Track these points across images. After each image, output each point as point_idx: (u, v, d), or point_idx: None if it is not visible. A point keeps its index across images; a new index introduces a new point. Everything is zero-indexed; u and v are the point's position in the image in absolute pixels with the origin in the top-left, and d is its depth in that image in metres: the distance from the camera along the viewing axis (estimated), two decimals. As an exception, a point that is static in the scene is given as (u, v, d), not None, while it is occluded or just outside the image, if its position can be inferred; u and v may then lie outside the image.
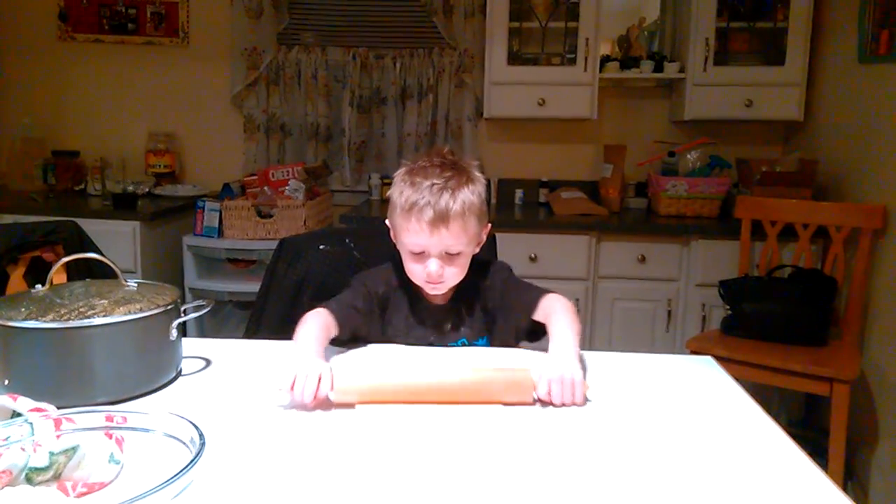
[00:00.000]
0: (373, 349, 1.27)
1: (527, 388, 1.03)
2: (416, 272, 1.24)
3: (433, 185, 1.19)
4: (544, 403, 1.02)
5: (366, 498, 0.75)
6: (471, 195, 1.21)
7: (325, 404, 0.99)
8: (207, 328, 2.96)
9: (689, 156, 3.01)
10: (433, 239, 1.19)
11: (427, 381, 1.03)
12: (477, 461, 0.84)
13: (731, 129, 3.19)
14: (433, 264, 1.21)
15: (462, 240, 1.21)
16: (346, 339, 1.24)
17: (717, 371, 1.19)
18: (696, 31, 2.95)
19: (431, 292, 1.28)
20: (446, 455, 0.86)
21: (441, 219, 1.18)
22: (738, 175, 3.04)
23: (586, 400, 1.04)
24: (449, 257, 1.22)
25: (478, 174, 1.27)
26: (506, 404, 1.02)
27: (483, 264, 1.36)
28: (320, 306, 1.21)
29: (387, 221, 1.32)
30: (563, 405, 1.02)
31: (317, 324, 1.15)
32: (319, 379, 0.99)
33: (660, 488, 0.78)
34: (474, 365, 1.11)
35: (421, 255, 1.22)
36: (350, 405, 0.99)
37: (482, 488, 0.78)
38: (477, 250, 1.30)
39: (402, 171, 1.27)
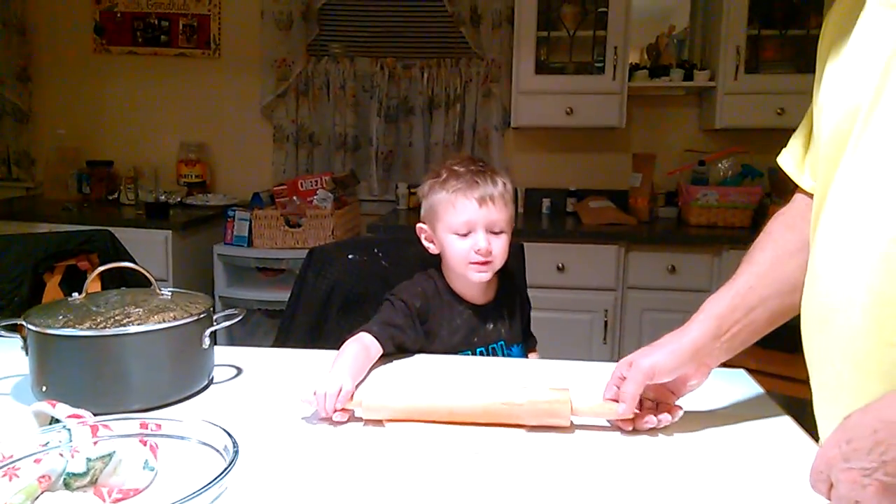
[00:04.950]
0: (409, 362, 1.26)
1: (563, 413, 0.94)
2: (463, 252, 1.26)
3: (473, 169, 1.28)
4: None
5: (397, 508, 0.75)
6: (505, 181, 1.30)
7: (354, 419, 0.99)
8: (237, 336, 3.00)
9: (719, 165, 2.98)
10: (482, 211, 1.25)
11: (458, 404, 0.96)
12: (502, 476, 0.84)
13: (762, 138, 3.13)
14: (482, 237, 1.25)
15: (504, 216, 1.27)
16: (391, 352, 1.23)
17: (750, 384, 1.17)
18: (726, 39, 2.92)
19: (477, 276, 1.27)
20: (474, 466, 0.86)
21: (487, 193, 1.26)
22: (770, 184, 3.00)
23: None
24: (493, 235, 1.27)
25: (502, 172, 1.34)
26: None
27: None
28: (359, 330, 1.19)
29: (419, 225, 1.35)
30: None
31: (354, 349, 1.14)
32: (340, 391, 0.97)
33: (690, 502, 0.77)
34: (510, 384, 1.01)
35: (467, 235, 1.26)
36: (379, 423, 0.98)
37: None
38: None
39: (431, 173, 1.33)
